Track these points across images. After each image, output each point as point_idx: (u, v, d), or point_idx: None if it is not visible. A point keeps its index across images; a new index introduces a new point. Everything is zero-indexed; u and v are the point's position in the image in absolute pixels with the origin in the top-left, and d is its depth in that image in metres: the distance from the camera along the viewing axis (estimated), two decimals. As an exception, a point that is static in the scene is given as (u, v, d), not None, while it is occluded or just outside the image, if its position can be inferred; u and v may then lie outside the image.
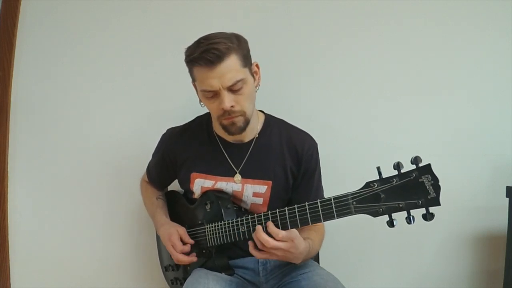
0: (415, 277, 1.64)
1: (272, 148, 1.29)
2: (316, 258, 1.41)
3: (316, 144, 1.33)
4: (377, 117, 1.63)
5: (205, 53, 1.10)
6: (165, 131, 1.40)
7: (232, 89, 1.14)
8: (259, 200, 1.28)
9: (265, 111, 1.37)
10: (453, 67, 1.61)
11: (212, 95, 1.16)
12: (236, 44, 1.14)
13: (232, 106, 1.15)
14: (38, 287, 1.70)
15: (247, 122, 1.21)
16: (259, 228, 1.09)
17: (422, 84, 1.61)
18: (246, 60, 1.17)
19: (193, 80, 1.21)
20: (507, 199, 1.43)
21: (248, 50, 1.20)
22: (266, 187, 1.27)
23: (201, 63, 1.12)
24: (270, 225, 1.09)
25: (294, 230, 1.09)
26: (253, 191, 1.27)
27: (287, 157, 1.28)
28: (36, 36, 1.71)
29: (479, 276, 1.63)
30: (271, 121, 1.34)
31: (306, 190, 1.30)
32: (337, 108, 1.64)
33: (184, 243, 1.25)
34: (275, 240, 1.07)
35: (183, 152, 1.32)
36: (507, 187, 1.44)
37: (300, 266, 1.23)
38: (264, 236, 1.07)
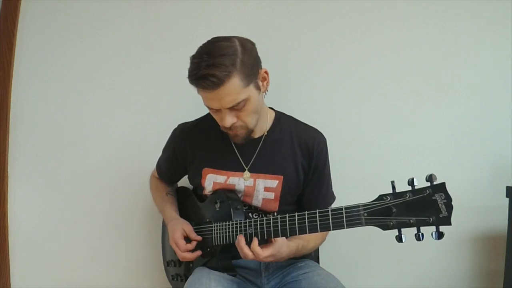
0: (415, 277, 1.64)
1: (283, 144, 1.29)
2: (316, 258, 1.41)
3: (325, 139, 1.33)
4: (378, 117, 1.63)
5: (202, 80, 1.08)
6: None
7: (233, 108, 1.14)
8: (271, 195, 1.28)
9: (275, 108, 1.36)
10: (453, 67, 1.61)
11: (215, 110, 1.18)
12: (239, 64, 1.09)
13: (234, 122, 1.16)
14: (38, 287, 1.70)
15: (250, 133, 1.23)
16: (241, 238, 1.12)
17: (422, 84, 1.61)
18: (250, 77, 1.13)
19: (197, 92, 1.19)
20: (507, 199, 1.43)
21: (253, 64, 1.14)
22: (277, 181, 1.27)
23: (198, 87, 1.12)
24: (254, 244, 1.11)
25: (278, 241, 1.12)
26: (264, 185, 1.27)
27: (298, 153, 1.29)
28: (36, 36, 1.71)
29: (479, 276, 1.63)
30: (281, 119, 1.34)
31: (318, 185, 1.31)
32: (337, 108, 1.64)
33: (191, 240, 1.25)
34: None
35: (194, 148, 1.33)
36: (507, 187, 1.44)
37: (301, 267, 1.23)
38: (246, 251, 1.11)
